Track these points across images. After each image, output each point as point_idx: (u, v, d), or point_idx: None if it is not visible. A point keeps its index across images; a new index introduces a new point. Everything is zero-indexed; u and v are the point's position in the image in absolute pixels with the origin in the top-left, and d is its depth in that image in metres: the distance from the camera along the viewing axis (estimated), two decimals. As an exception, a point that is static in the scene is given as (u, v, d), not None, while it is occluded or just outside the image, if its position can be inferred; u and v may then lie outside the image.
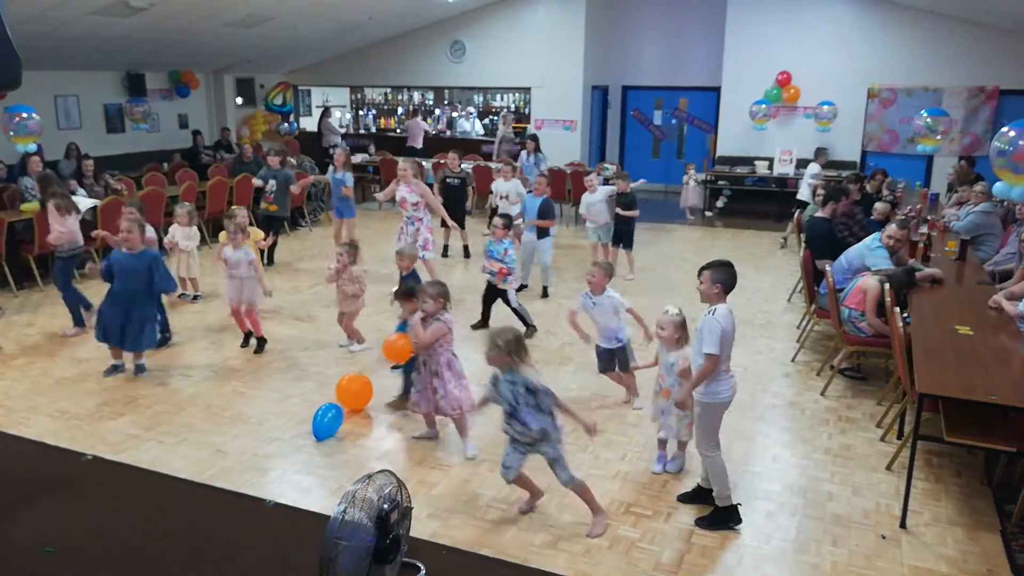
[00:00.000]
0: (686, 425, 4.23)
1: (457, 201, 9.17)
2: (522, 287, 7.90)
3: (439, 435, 4.80)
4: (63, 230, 6.54)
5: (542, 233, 7.69)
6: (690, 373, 3.97)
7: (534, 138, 11.26)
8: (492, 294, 6.73)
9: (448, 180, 9.38)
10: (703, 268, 3.81)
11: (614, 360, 5.12)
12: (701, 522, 3.86)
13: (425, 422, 4.83)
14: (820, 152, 11.51)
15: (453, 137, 15.37)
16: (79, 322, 6.70)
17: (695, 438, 3.98)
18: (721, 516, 3.84)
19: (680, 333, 4.13)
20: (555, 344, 6.48)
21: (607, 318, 5.01)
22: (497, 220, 6.76)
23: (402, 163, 7.56)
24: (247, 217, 7.10)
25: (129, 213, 6.03)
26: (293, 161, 10.61)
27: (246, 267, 6.07)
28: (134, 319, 5.53)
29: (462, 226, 9.09)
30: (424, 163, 12.48)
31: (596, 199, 8.47)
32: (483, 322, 6.83)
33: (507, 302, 6.69)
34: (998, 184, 5.42)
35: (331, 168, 9.06)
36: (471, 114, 15.71)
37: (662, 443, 4.43)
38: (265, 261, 8.86)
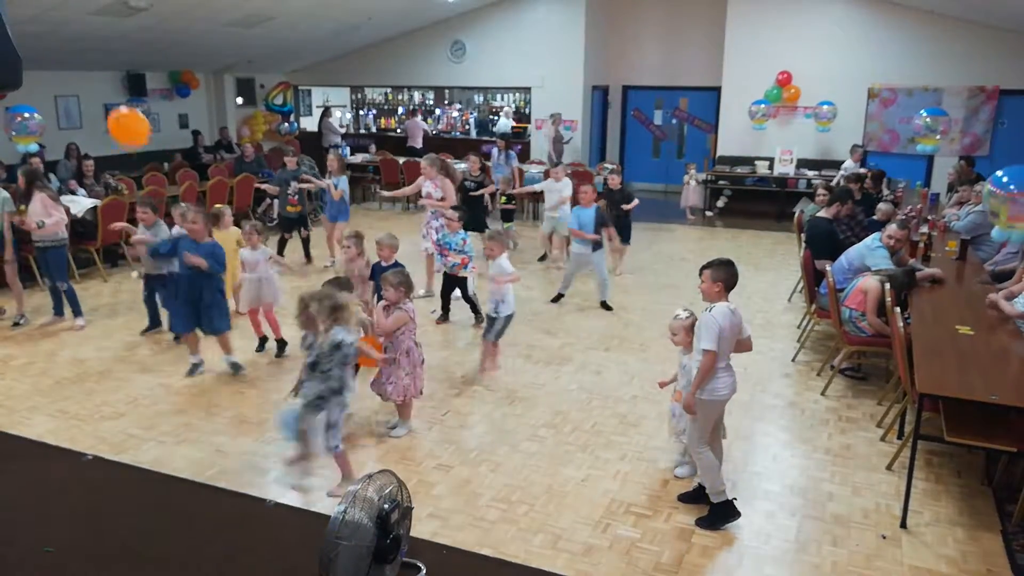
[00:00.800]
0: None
1: (475, 204, 9.16)
2: (559, 296, 7.73)
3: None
4: (60, 216, 6.68)
5: (597, 245, 7.33)
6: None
7: (505, 136, 11.31)
8: (450, 284, 6.82)
9: (467, 183, 9.37)
10: (704, 267, 3.82)
11: (489, 326, 5.65)
12: (701, 522, 3.85)
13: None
14: (855, 149, 11.62)
15: (453, 137, 15.36)
16: (78, 312, 6.86)
17: (687, 434, 3.99)
18: (718, 513, 3.84)
19: (692, 335, 4.12)
20: (555, 344, 6.48)
21: (495, 284, 5.55)
22: (451, 213, 6.78)
23: (424, 161, 7.80)
24: (231, 216, 7.14)
25: (195, 205, 6.11)
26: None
27: (264, 266, 6.14)
28: (207, 301, 5.63)
29: (481, 230, 9.08)
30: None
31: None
32: (445, 315, 6.97)
33: (463, 290, 6.81)
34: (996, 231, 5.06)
35: (327, 173, 9.06)
36: (508, 113, 15.50)
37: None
38: (304, 260, 9.20)
